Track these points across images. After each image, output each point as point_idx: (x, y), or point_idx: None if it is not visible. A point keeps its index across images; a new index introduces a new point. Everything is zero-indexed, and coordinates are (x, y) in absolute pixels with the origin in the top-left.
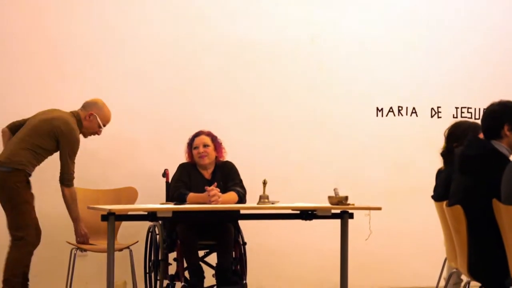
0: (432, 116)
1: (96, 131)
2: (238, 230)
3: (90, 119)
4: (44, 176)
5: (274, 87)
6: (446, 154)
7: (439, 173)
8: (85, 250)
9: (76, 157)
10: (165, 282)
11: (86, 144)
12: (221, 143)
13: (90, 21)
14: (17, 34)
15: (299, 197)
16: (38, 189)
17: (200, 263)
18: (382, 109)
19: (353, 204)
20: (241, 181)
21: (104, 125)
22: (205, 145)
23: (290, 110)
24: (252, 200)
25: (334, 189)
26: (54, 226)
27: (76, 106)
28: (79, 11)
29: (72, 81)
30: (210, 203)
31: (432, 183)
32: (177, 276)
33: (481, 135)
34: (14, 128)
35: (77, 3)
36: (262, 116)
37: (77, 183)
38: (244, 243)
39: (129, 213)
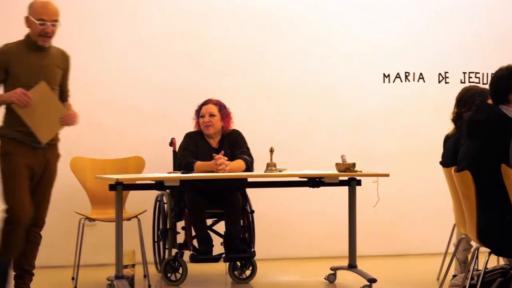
0: (439, 82)
1: (38, 30)
2: (245, 198)
3: (28, 23)
4: None
5: (280, 55)
6: (456, 119)
7: (447, 139)
8: (94, 220)
9: (83, 127)
10: (174, 250)
11: (92, 114)
12: (229, 113)
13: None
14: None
15: (306, 165)
16: None
17: (208, 231)
18: (389, 75)
19: (360, 171)
20: (248, 149)
21: (40, 19)
22: (211, 115)
23: (296, 77)
24: (259, 168)
25: (342, 156)
26: (63, 196)
27: (79, 78)
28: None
29: (77, 51)
30: (217, 171)
31: (441, 148)
32: (186, 245)
33: (489, 101)
34: None
35: None
36: (268, 84)
37: (84, 153)
38: (252, 211)
39: (137, 182)
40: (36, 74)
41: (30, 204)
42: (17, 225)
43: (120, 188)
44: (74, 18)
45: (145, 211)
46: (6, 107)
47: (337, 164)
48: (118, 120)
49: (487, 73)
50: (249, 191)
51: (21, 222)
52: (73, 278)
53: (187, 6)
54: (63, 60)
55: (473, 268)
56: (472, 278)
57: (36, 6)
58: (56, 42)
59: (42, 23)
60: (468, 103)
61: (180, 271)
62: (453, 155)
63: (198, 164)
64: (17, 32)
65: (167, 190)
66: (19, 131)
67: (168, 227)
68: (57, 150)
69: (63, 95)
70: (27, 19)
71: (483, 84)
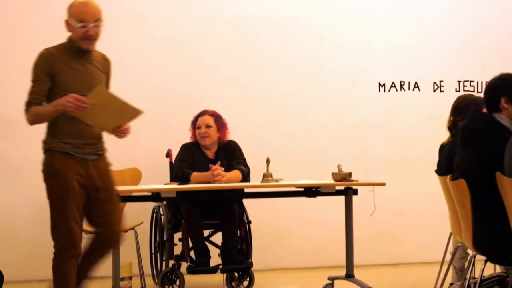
0: (434, 90)
1: (81, 34)
2: (242, 209)
3: (69, 27)
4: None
5: (276, 64)
6: (452, 127)
7: (442, 147)
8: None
9: None
10: (171, 262)
11: None
12: (225, 124)
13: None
14: (23, 15)
15: (303, 175)
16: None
17: (205, 242)
18: (384, 84)
19: (357, 180)
20: (244, 159)
21: (81, 21)
22: (207, 126)
23: (292, 86)
24: (256, 179)
25: (338, 166)
26: None
27: None
28: None
29: None
30: (214, 182)
31: (436, 157)
32: (183, 256)
33: (484, 109)
34: None
35: None
36: (264, 94)
37: None
38: (249, 222)
39: (133, 194)
40: (84, 81)
41: (81, 228)
42: (67, 254)
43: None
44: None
45: (141, 222)
46: (58, 116)
47: (333, 174)
48: None
49: (482, 82)
50: (246, 202)
51: (71, 250)
52: None
53: (183, 16)
54: (105, 64)
55: (470, 276)
56: (469, 286)
57: (75, 7)
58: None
59: (83, 26)
60: (464, 111)
61: (178, 282)
62: (448, 163)
63: (195, 175)
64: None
65: (164, 202)
66: (69, 143)
67: (165, 238)
68: (106, 159)
69: None
70: (67, 23)
71: (478, 92)
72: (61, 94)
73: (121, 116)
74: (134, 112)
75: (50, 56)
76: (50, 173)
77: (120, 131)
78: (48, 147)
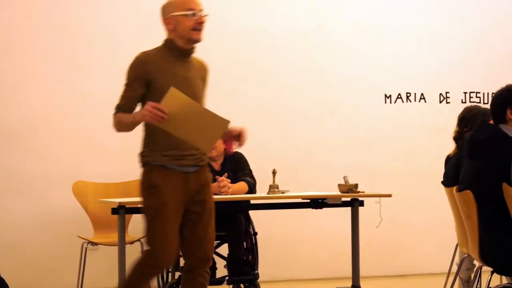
0: (440, 102)
1: (192, 24)
2: (248, 220)
3: (172, 24)
4: (52, 170)
5: (282, 76)
6: (458, 138)
7: (448, 159)
8: (96, 244)
9: (85, 151)
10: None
11: (94, 137)
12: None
13: (100, 15)
14: (28, 29)
15: (309, 186)
16: (47, 183)
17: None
18: (390, 95)
19: (363, 192)
20: (250, 171)
21: (190, 9)
22: None
23: (298, 98)
24: (262, 190)
25: (344, 177)
26: (65, 220)
27: (82, 97)
28: (91, 5)
29: (84, 75)
30: (220, 193)
31: (442, 168)
32: None
33: (491, 121)
34: None
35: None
36: (270, 105)
37: (86, 176)
38: (255, 233)
39: (140, 205)
40: (182, 87)
41: (176, 247)
42: (154, 271)
43: (123, 211)
44: (79, 44)
45: None
46: (146, 128)
47: (339, 185)
48: (120, 143)
49: (488, 93)
50: (252, 213)
51: (160, 269)
52: None
53: None
54: (203, 71)
55: None
56: None
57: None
58: (55, 65)
59: (193, 13)
60: (470, 122)
61: None
62: (454, 174)
63: None
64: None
65: None
66: (167, 155)
67: None
68: (207, 172)
69: None
70: (169, 20)
71: (484, 103)
72: (157, 101)
73: (208, 127)
74: (220, 123)
75: (146, 61)
76: (147, 188)
77: (229, 144)
78: (146, 161)
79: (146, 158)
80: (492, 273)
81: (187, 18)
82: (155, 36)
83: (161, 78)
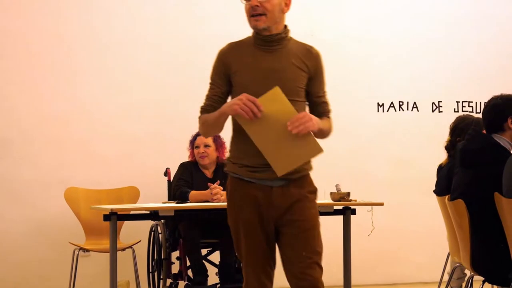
0: (433, 111)
1: (247, 11)
2: None
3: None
4: (44, 177)
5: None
6: (449, 147)
7: (440, 168)
8: (88, 250)
9: (77, 158)
10: (168, 281)
11: (86, 144)
12: (223, 143)
13: (93, 22)
14: (20, 35)
15: None
16: (39, 189)
17: (203, 261)
18: (383, 104)
19: (355, 200)
20: None
21: None
22: (206, 145)
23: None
24: None
25: (336, 185)
26: (57, 226)
27: (74, 104)
28: (83, 12)
29: (75, 81)
30: (212, 201)
31: (434, 177)
32: (180, 275)
33: (483, 130)
34: None
35: (80, 5)
36: None
37: (78, 183)
38: None
39: (131, 212)
40: (266, 81)
41: (263, 270)
42: None
43: (115, 218)
44: (71, 50)
45: (139, 241)
46: (234, 129)
47: (331, 194)
48: (112, 150)
49: (480, 102)
50: None
51: None
52: None
53: (180, 37)
54: (307, 59)
55: None
56: None
57: None
58: (47, 72)
59: None
60: (463, 132)
61: None
62: (446, 184)
63: (193, 193)
64: (23, 32)
65: (162, 220)
66: (244, 165)
67: (163, 257)
68: (307, 184)
69: (316, 109)
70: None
71: (476, 113)
72: None
73: (296, 147)
74: (313, 149)
75: (226, 54)
76: (227, 200)
77: (222, 152)
78: (226, 170)
79: (226, 167)
80: (483, 282)
81: (244, 4)
82: (149, 42)
83: (240, 72)
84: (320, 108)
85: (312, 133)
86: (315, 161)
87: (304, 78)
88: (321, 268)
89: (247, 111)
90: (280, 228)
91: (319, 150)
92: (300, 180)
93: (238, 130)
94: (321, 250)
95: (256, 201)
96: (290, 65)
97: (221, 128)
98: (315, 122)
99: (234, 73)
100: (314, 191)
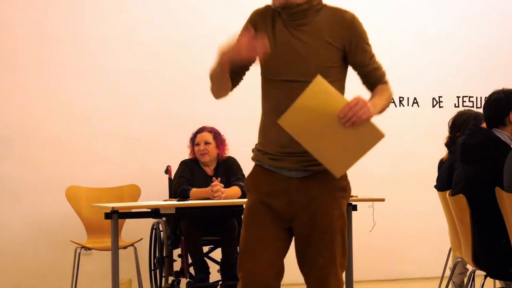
0: (433, 106)
1: None
2: (241, 225)
3: None
4: (45, 176)
5: None
6: (450, 143)
7: (441, 163)
8: (90, 249)
9: (78, 156)
10: (170, 278)
11: (87, 143)
12: (224, 140)
13: (93, 21)
14: (18, 34)
15: None
16: (40, 188)
17: (205, 258)
18: None
19: (356, 196)
20: (244, 175)
21: None
22: (206, 143)
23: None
24: None
25: None
26: (58, 225)
27: (77, 104)
28: (82, 11)
29: (74, 81)
30: (213, 198)
31: (435, 172)
32: (182, 273)
33: (483, 125)
34: None
35: (79, 3)
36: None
37: (79, 181)
38: None
39: (133, 210)
40: (289, 62)
41: (268, 271)
42: None
43: (116, 216)
44: (69, 48)
45: (141, 239)
46: (262, 112)
47: None
48: (113, 148)
49: (481, 97)
50: None
51: None
52: None
53: (181, 35)
54: (342, 28)
55: None
56: None
57: None
58: (47, 70)
59: None
60: (463, 127)
61: None
62: (447, 179)
63: (194, 191)
64: (19, 31)
65: (163, 218)
66: (266, 153)
67: (164, 255)
68: (334, 178)
69: (368, 79)
70: None
71: (477, 108)
72: (264, 82)
73: (352, 139)
74: (374, 135)
75: (258, 17)
76: (245, 188)
77: (222, 149)
78: (252, 157)
79: (253, 153)
80: (485, 277)
81: None
82: (149, 40)
83: None
84: (371, 77)
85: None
86: None
87: (336, 54)
88: (338, 279)
89: (250, 49)
90: (295, 228)
91: (380, 135)
92: (327, 173)
93: (264, 113)
94: (343, 260)
95: (271, 191)
96: (317, 41)
97: (226, 84)
98: (371, 106)
99: None
100: (343, 187)
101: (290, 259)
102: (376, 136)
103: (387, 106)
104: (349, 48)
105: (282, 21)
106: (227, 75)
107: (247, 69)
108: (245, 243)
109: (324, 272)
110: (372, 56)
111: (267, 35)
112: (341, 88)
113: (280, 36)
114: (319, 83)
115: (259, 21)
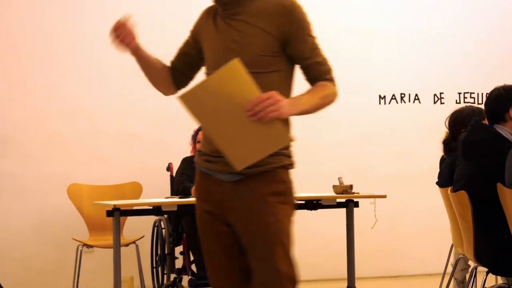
0: (435, 102)
1: None
2: None
3: None
4: (46, 173)
5: None
6: (448, 142)
7: (443, 159)
8: (92, 246)
9: (79, 154)
10: (172, 276)
11: (88, 141)
12: None
13: (94, 19)
14: (20, 32)
15: (304, 187)
16: (42, 186)
17: None
18: (384, 96)
19: (358, 193)
20: None
21: None
22: None
23: None
24: None
25: (339, 178)
26: (60, 223)
27: (79, 101)
28: (84, 9)
29: (75, 78)
30: None
31: (437, 169)
32: (184, 270)
33: (485, 121)
34: None
35: (83, 3)
36: None
37: (81, 179)
38: None
39: (134, 208)
40: (226, 53)
41: (223, 276)
42: None
43: (118, 214)
44: (71, 46)
45: (143, 236)
46: None
47: (334, 186)
48: (114, 146)
49: (482, 93)
50: None
51: None
52: None
53: (181, 33)
54: (278, 16)
55: None
56: None
57: None
58: (48, 68)
59: None
60: (464, 124)
61: None
62: (449, 175)
63: None
64: (19, 28)
65: (165, 215)
66: (203, 154)
67: (166, 252)
68: (271, 182)
69: (308, 74)
70: None
71: (478, 104)
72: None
73: (260, 135)
74: (281, 137)
75: (203, 15)
76: None
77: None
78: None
79: None
80: (487, 273)
81: None
82: (149, 38)
83: (205, 42)
84: (312, 72)
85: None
86: (318, 154)
87: (272, 42)
88: None
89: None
90: (237, 234)
91: (287, 139)
92: (260, 176)
93: None
94: (290, 271)
95: (208, 196)
96: (252, 29)
97: (151, 75)
98: (290, 104)
99: (202, 41)
100: (279, 192)
101: None
102: (284, 139)
103: (322, 105)
104: (287, 37)
105: (220, 13)
106: (143, 63)
107: (196, 69)
108: (207, 267)
109: (270, 267)
110: (314, 49)
111: (210, 30)
112: (281, 81)
113: (219, 28)
114: (234, 67)
115: (204, 18)
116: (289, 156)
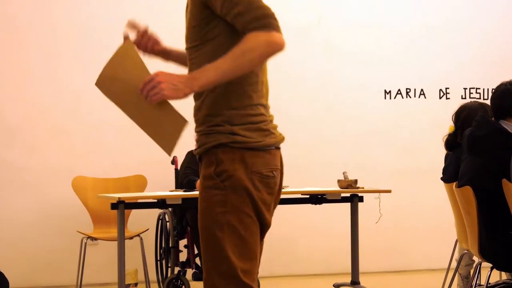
0: (440, 98)
1: None
2: None
3: None
4: (51, 166)
5: (281, 71)
6: (450, 140)
7: (448, 154)
8: (96, 239)
9: (84, 147)
10: (176, 269)
11: (93, 134)
12: None
13: (100, 12)
14: (26, 25)
15: (309, 182)
16: (47, 178)
17: None
18: (390, 91)
19: (362, 188)
20: None
21: None
22: None
23: (298, 94)
24: None
25: (344, 173)
26: (65, 215)
27: (81, 94)
28: (89, 2)
29: (80, 71)
30: None
31: (442, 164)
32: (188, 263)
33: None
34: None
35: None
36: (269, 100)
37: (85, 172)
38: None
39: (139, 201)
40: None
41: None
42: None
43: (122, 207)
44: (77, 39)
45: (147, 229)
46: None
47: (339, 181)
48: (119, 139)
49: (488, 89)
50: None
51: None
52: None
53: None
54: None
55: (476, 283)
56: None
57: None
58: (49, 68)
59: None
60: (469, 119)
61: None
62: (454, 170)
63: None
64: (23, 21)
65: (169, 208)
66: None
67: (170, 245)
68: (208, 165)
69: (238, 29)
70: None
71: (484, 99)
72: None
73: (163, 119)
74: (176, 120)
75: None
76: None
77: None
78: None
79: None
80: (491, 269)
81: None
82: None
83: None
84: (238, 28)
85: (170, 101)
86: (323, 148)
87: (202, 10)
88: None
89: None
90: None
91: (182, 122)
92: (203, 158)
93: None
94: (240, 263)
95: None
96: (189, 3)
97: (181, 67)
98: (172, 85)
99: None
100: (210, 175)
101: (268, 252)
102: (179, 122)
103: (241, 65)
104: (199, 4)
105: None
106: (177, 62)
107: None
108: (255, 256)
109: (206, 283)
110: (231, 1)
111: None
112: (217, 48)
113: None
114: (125, 48)
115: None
116: (231, 133)
